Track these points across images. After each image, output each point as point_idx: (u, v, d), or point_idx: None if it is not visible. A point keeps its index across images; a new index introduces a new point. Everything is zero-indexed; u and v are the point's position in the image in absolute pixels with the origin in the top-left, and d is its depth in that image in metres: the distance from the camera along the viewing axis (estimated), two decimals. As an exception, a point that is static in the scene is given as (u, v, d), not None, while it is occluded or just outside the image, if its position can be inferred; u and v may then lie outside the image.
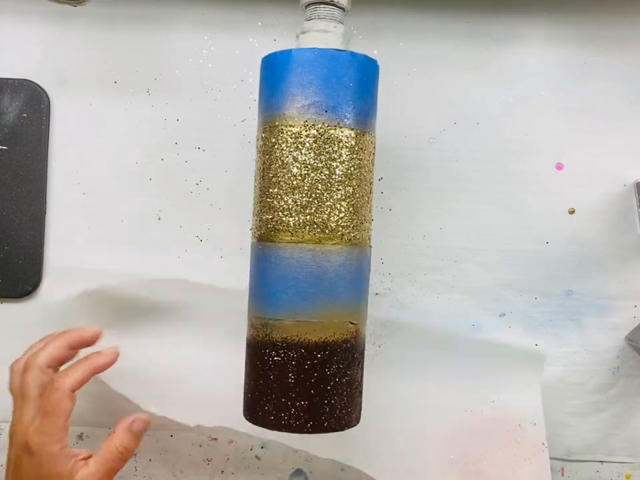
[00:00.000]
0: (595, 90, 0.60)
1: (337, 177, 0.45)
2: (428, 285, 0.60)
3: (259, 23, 0.60)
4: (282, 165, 0.45)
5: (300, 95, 0.45)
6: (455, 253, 0.60)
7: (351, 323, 0.47)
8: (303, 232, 0.45)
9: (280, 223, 0.46)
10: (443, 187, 0.60)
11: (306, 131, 0.45)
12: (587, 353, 0.61)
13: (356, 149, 0.46)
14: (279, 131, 0.46)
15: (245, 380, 0.48)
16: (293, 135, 0.45)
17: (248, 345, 0.48)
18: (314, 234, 0.45)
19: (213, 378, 0.56)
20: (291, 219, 0.45)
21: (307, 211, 0.45)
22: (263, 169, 0.47)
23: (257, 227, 0.48)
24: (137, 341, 0.58)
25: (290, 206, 0.45)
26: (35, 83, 0.60)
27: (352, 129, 0.45)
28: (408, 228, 0.60)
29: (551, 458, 0.61)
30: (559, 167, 0.60)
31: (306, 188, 0.45)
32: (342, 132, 0.45)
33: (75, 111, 0.60)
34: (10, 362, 0.58)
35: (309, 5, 0.47)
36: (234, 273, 0.55)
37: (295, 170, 0.45)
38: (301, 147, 0.45)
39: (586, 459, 0.61)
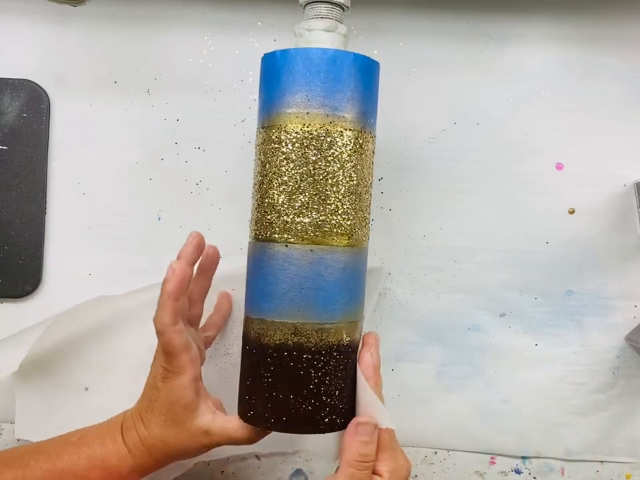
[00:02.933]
0: (595, 90, 0.60)
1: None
2: (428, 285, 0.60)
3: (259, 23, 0.60)
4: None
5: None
6: (455, 253, 0.60)
7: (363, 318, 0.49)
8: (356, 235, 0.46)
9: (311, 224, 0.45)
10: (443, 186, 0.60)
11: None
12: (587, 352, 0.60)
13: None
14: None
15: (264, 386, 0.46)
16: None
17: (287, 353, 0.45)
18: (359, 236, 0.46)
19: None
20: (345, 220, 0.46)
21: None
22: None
23: (285, 230, 0.46)
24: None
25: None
26: (35, 83, 0.60)
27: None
28: (408, 228, 0.60)
29: (550, 458, 0.61)
30: (559, 167, 0.60)
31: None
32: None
33: (75, 111, 0.60)
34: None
35: (308, 4, 0.47)
36: (234, 272, 0.55)
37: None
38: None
39: (586, 458, 0.61)
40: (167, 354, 0.47)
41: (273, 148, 0.46)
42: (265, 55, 0.47)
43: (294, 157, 0.45)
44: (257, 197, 0.47)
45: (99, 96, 0.60)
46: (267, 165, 0.46)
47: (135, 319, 0.58)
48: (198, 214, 0.60)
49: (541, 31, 0.60)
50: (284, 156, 0.45)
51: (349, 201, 0.46)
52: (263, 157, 0.47)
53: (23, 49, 0.60)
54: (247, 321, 0.48)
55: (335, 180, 0.45)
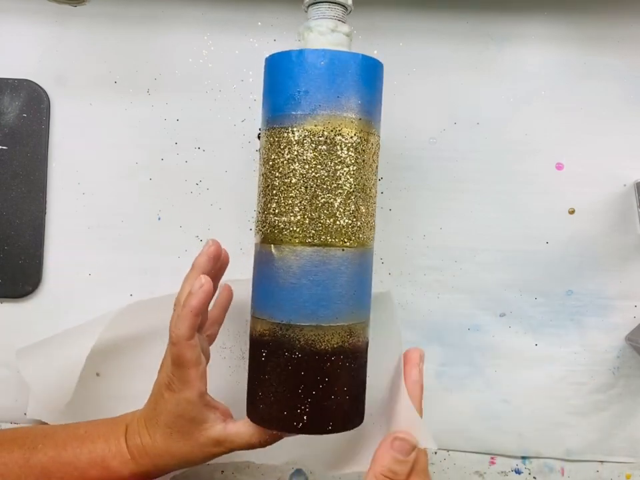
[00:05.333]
0: (595, 90, 0.60)
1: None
2: (428, 285, 0.60)
3: (259, 23, 0.60)
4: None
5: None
6: (455, 253, 0.60)
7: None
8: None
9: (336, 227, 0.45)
10: (443, 186, 0.60)
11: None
12: (587, 352, 0.61)
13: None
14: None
15: (320, 392, 0.45)
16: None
17: (344, 355, 0.46)
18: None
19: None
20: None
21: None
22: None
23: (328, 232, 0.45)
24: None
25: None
26: (35, 83, 0.60)
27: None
28: (408, 228, 0.60)
29: (550, 458, 0.61)
30: (559, 167, 0.60)
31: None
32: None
33: (75, 111, 0.60)
34: (10, 362, 0.59)
35: (311, 4, 0.47)
36: (234, 273, 0.55)
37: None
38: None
39: (586, 458, 0.61)
40: (175, 365, 0.47)
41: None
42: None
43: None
44: (301, 200, 0.45)
45: (99, 96, 0.60)
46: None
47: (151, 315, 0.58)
48: (198, 214, 0.60)
49: (541, 30, 0.60)
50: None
51: (364, 201, 0.46)
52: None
53: (23, 49, 0.60)
54: (290, 329, 0.45)
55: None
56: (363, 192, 0.46)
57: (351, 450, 0.53)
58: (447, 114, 0.60)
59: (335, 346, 0.45)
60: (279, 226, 0.46)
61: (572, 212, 0.60)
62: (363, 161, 0.46)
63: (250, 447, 0.48)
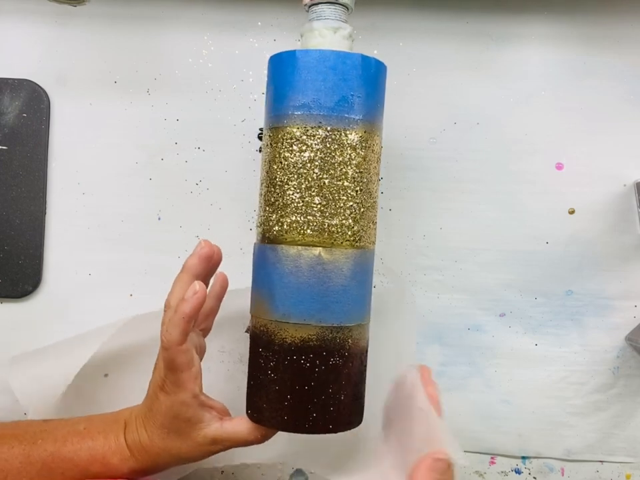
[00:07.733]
0: (595, 90, 0.60)
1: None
2: (428, 285, 0.60)
3: (259, 23, 0.60)
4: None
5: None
6: (455, 253, 0.60)
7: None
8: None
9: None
10: (443, 186, 0.60)
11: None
12: (587, 352, 0.61)
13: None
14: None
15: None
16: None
17: (366, 353, 0.47)
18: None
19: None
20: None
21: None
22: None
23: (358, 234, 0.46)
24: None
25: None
26: (35, 83, 0.60)
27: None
28: (408, 228, 0.60)
29: (550, 458, 0.61)
30: (559, 167, 0.60)
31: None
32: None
33: (75, 111, 0.60)
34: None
35: (312, 4, 0.47)
36: (234, 272, 0.55)
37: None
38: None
39: (586, 458, 0.61)
40: (168, 368, 0.47)
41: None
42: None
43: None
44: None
45: (98, 96, 0.60)
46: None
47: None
48: (198, 214, 0.60)
49: (541, 30, 0.60)
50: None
51: (370, 201, 0.47)
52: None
53: (23, 48, 0.60)
54: (340, 330, 0.45)
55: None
56: (367, 192, 0.46)
57: (350, 456, 0.53)
58: (447, 114, 0.60)
59: (366, 343, 0.47)
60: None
61: (572, 212, 0.60)
62: (366, 161, 0.46)
63: (247, 443, 0.48)
